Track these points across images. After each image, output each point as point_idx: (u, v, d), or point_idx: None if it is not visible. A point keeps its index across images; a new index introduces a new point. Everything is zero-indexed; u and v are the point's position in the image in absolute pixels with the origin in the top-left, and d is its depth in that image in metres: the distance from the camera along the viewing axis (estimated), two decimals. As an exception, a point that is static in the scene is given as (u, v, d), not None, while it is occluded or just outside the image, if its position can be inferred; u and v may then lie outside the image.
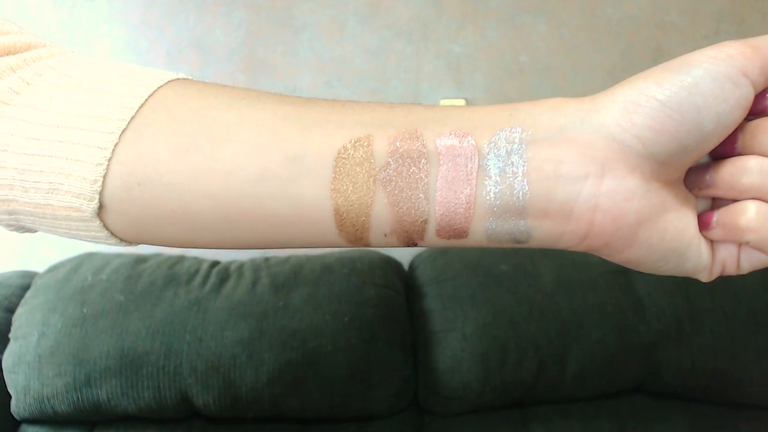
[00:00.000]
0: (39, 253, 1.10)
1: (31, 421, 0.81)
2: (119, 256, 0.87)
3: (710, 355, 0.80)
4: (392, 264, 0.91)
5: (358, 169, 0.24)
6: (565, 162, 0.24)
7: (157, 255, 0.89)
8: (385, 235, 0.25)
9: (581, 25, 1.10)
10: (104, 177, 0.24)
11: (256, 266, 0.86)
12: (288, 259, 0.89)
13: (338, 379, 0.77)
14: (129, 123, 0.25)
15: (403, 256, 0.98)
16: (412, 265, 0.94)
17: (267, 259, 0.89)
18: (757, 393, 0.81)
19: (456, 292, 0.83)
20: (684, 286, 0.82)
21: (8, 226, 0.28)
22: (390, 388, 0.79)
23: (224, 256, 0.97)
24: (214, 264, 0.88)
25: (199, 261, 0.88)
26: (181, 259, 0.88)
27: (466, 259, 0.87)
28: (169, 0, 1.10)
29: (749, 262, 0.26)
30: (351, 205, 0.25)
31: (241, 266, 0.87)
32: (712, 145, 0.24)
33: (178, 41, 1.10)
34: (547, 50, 1.10)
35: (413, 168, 0.24)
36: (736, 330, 0.81)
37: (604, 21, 1.11)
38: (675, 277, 0.28)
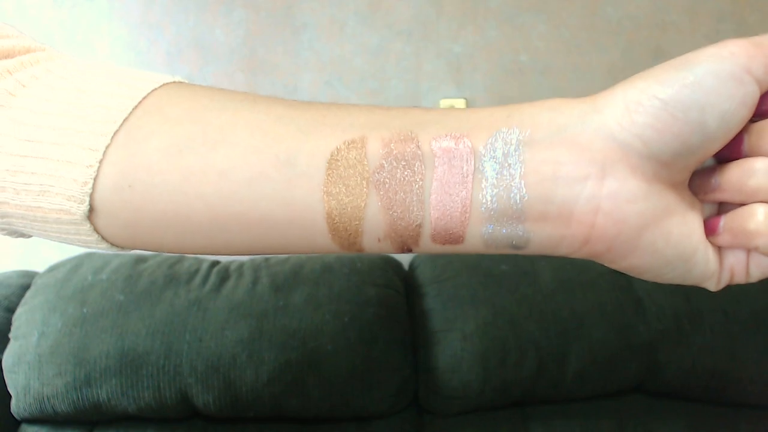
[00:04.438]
0: (39, 253, 1.10)
1: (31, 420, 0.81)
2: (119, 255, 0.87)
3: (710, 355, 0.80)
4: (392, 264, 0.91)
5: (351, 171, 0.24)
6: (564, 163, 0.23)
7: (157, 255, 0.89)
8: (379, 240, 0.25)
9: (581, 25, 1.10)
10: (95, 179, 0.24)
11: (256, 266, 0.86)
12: (288, 259, 0.89)
13: (338, 379, 0.77)
14: (121, 125, 0.24)
15: (403, 255, 0.98)
16: (412, 265, 0.94)
17: (267, 259, 0.89)
18: (757, 393, 0.81)
19: (456, 292, 0.83)
20: (684, 285, 0.82)
21: (1, 230, 0.28)
22: (390, 387, 0.79)
23: (224, 256, 0.97)
24: (214, 264, 0.88)
25: (199, 261, 0.88)
26: (181, 258, 0.88)
27: (466, 259, 0.87)
28: (169, 0, 1.10)
29: (759, 268, 0.25)
30: (343, 209, 0.24)
31: (241, 266, 0.87)
32: (717, 146, 0.23)
33: (178, 41, 1.10)
34: (547, 50, 1.10)
35: (407, 170, 0.24)
36: (736, 330, 0.81)
37: (604, 21, 1.10)
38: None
